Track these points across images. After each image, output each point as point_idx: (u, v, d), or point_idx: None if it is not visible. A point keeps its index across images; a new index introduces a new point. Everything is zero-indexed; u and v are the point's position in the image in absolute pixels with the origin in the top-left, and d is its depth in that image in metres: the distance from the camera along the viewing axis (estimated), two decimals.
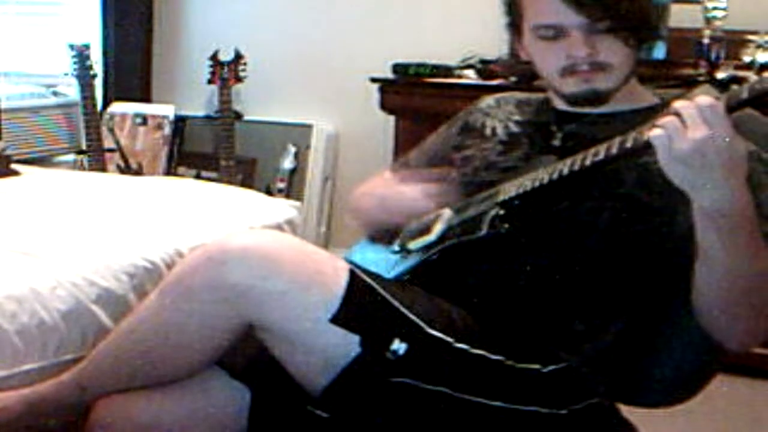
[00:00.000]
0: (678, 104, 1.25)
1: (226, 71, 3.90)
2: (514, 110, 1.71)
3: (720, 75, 3.03)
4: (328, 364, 1.40)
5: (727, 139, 1.22)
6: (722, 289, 1.35)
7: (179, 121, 4.09)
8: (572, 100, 1.56)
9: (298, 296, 1.39)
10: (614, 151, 1.35)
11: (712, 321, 1.41)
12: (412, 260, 1.63)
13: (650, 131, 1.26)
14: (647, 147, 1.28)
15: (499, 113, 1.72)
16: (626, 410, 1.61)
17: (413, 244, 1.63)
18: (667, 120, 1.24)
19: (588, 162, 1.40)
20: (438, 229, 1.61)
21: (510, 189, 1.53)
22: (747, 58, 3.05)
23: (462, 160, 1.70)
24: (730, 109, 1.24)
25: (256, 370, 1.51)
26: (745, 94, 1.24)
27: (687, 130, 1.22)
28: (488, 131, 1.70)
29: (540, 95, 1.72)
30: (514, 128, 1.67)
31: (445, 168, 1.71)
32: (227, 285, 1.39)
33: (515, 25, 1.60)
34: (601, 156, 1.37)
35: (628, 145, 1.33)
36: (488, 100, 1.77)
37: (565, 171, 1.43)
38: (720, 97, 1.25)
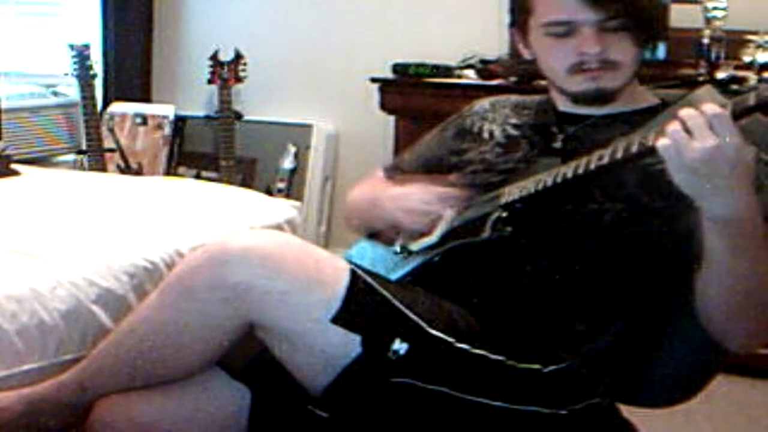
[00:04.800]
0: (684, 113, 1.24)
1: (226, 71, 3.90)
2: (511, 113, 1.70)
3: (720, 75, 3.02)
4: (328, 363, 1.40)
5: (736, 148, 1.21)
6: (726, 292, 1.35)
7: (179, 121, 4.09)
8: (578, 99, 1.56)
9: (298, 296, 1.39)
10: (619, 156, 1.35)
11: (714, 322, 1.41)
12: (413, 261, 1.63)
13: (656, 139, 1.26)
14: (653, 153, 1.28)
15: (495, 116, 1.71)
16: (626, 410, 1.61)
17: (415, 245, 1.63)
18: (674, 129, 1.23)
19: (593, 166, 1.39)
20: (439, 230, 1.61)
21: (512, 191, 1.53)
22: (747, 58, 3.05)
23: (460, 163, 1.69)
24: (736, 116, 1.23)
25: (257, 370, 1.51)
26: (752, 101, 1.23)
27: (695, 140, 1.21)
28: (485, 134, 1.69)
29: (537, 97, 1.71)
30: (512, 131, 1.67)
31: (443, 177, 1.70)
32: (228, 285, 1.39)
33: (520, 24, 1.59)
34: (606, 161, 1.37)
35: (634, 150, 1.32)
36: (483, 104, 1.76)
37: (570, 175, 1.43)
38: (726, 103, 1.24)
